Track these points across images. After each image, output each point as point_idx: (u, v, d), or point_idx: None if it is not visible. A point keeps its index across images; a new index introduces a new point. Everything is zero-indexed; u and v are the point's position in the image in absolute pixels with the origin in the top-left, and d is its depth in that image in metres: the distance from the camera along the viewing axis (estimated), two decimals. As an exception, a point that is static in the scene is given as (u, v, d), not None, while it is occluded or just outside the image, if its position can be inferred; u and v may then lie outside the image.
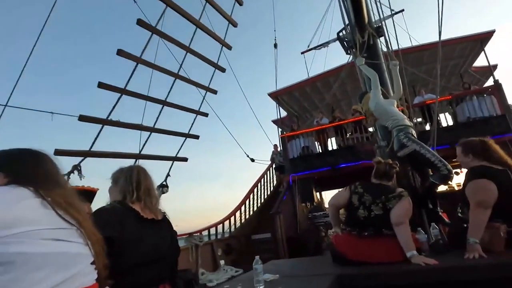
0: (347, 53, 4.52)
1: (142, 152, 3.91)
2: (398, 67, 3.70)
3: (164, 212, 1.65)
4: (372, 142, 6.88)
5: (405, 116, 3.46)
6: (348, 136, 8.90)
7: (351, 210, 2.37)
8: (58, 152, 2.94)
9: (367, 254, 2.21)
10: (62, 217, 0.89)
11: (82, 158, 3.31)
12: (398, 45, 4.39)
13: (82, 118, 3.22)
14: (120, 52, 3.40)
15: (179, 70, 4.23)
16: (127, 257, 1.34)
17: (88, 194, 3.69)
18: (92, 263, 0.94)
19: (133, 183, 1.54)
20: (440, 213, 3.09)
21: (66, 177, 1.10)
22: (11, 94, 2.99)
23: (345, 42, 4.40)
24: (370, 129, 7.84)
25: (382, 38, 4.19)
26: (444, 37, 3.85)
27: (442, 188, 4.10)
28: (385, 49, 4.28)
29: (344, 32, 4.46)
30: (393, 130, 3.34)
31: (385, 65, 4.02)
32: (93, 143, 3.37)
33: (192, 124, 4.52)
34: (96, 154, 3.42)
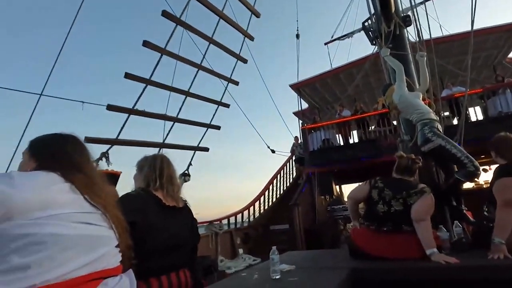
0: (372, 44, 4.38)
1: (165, 141, 4.03)
2: (425, 58, 3.56)
3: (185, 200, 1.71)
4: (395, 136, 6.71)
5: (431, 110, 3.34)
6: (370, 129, 8.70)
7: (371, 205, 2.35)
8: (88, 140, 3.08)
9: (385, 249, 2.19)
10: (89, 202, 0.93)
11: (110, 145, 3.46)
12: (430, 35, 4.22)
13: (110, 107, 3.34)
14: (146, 44, 3.48)
15: (202, 61, 4.27)
16: (149, 242, 1.40)
17: (112, 177, 3.84)
18: (117, 246, 0.99)
19: (157, 171, 1.59)
20: (464, 211, 2.99)
21: (95, 163, 1.15)
22: (45, 83, 3.16)
23: (370, 32, 4.27)
24: (394, 122, 7.63)
25: (408, 28, 4.04)
26: (475, 26, 3.66)
27: (468, 185, 3.96)
28: (411, 39, 4.12)
29: (369, 21, 4.33)
30: (417, 124, 3.24)
31: (411, 56, 3.88)
32: (120, 131, 3.51)
33: (214, 114, 4.59)
34: (123, 142, 3.56)
